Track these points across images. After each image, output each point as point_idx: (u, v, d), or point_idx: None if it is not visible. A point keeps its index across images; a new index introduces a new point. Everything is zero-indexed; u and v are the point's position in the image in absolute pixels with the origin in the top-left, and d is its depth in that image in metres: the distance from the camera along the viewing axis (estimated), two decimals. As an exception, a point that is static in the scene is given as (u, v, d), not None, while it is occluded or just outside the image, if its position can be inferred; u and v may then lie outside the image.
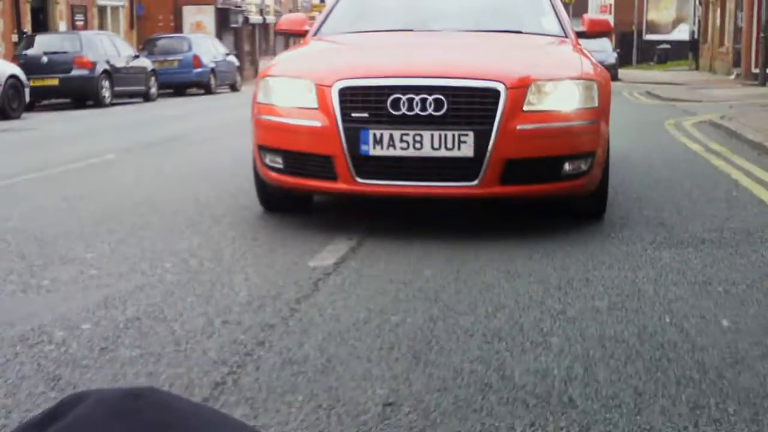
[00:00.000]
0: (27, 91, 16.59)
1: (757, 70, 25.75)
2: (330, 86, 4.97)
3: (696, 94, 21.72)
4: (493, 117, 4.84)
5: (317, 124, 4.99)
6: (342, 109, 4.93)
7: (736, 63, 31.31)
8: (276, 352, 3.15)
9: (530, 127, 4.91)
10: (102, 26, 29.82)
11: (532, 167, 4.98)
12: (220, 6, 39.66)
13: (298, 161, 5.17)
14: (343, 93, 4.95)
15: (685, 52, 45.37)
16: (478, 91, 4.89)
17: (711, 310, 3.66)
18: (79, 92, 20.00)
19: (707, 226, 5.40)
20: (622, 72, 36.10)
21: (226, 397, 2.75)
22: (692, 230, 5.27)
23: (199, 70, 26.23)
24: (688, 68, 42.14)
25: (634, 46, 50.00)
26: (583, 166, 5.12)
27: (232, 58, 29.50)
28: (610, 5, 51.86)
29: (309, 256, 4.57)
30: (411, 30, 6.25)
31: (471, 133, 4.82)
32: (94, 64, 19.93)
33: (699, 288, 4.01)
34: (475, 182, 4.90)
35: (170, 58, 25.94)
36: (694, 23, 44.91)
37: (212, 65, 26.84)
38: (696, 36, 42.96)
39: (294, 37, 7.34)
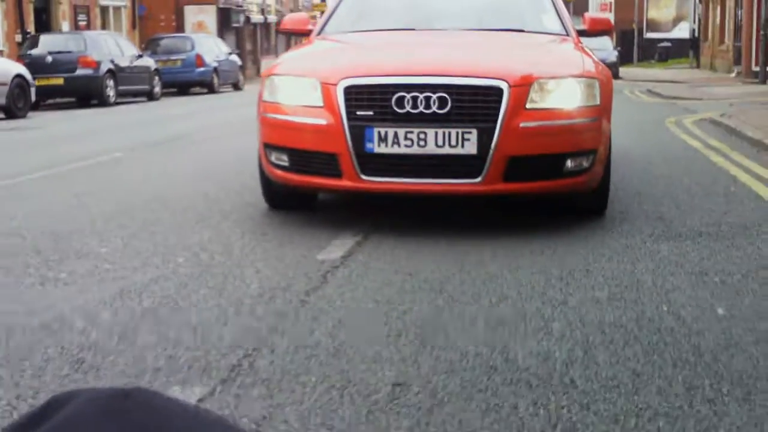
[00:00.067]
0: (33, 90, 16.78)
1: (757, 68, 25.86)
2: (335, 85, 5.05)
3: (696, 92, 21.84)
4: (497, 115, 4.92)
5: (322, 122, 5.08)
6: (347, 107, 5.01)
7: (737, 61, 31.40)
8: (289, 338, 3.28)
9: (533, 125, 5.00)
10: (104, 26, 29.97)
11: (534, 164, 5.06)
12: (221, 6, 39.78)
13: (303, 159, 5.25)
14: (348, 91, 5.03)
15: (686, 50, 45.47)
16: (481, 89, 4.98)
17: (707, 299, 3.80)
18: (83, 91, 20.20)
19: (705, 219, 5.53)
20: (623, 70, 36.20)
21: (243, 378, 2.88)
22: (690, 224, 5.40)
23: (202, 69, 26.41)
24: (688, 66, 42.23)
25: (635, 45, 50.08)
26: (585, 163, 5.20)
27: (235, 58, 29.65)
28: (611, 3, 51.94)
29: (317, 250, 4.70)
30: (414, 29, 6.34)
31: (474, 131, 4.91)
32: (98, 64, 20.12)
33: (696, 278, 4.14)
34: (479, 179, 4.98)
35: (173, 57, 26.13)
36: (694, 21, 45.00)
37: (215, 64, 27.01)
38: (696, 34, 43.05)
39: (296, 36, 7.44)
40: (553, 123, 5.08)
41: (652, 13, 52.42)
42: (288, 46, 44.20)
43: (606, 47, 31.17)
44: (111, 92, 20.49)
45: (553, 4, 6.58)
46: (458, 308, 3.66)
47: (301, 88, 5.25)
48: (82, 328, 3.43)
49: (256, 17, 45.00)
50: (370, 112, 5.01)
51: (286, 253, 4.68)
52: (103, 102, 20.19)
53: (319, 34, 6.43)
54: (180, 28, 36.68)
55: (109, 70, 20.47)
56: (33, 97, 16.85)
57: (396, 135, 4.94)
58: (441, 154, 4.94)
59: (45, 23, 26.26)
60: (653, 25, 52.31)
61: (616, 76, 27.83)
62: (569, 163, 5.15)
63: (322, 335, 3.31)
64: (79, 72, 19.84)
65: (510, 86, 4.96)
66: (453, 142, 4.91)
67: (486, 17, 6.58)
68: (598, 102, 5.25)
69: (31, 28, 24.67)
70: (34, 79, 16.99)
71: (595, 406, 2.67)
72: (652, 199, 6.30)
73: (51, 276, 4.26)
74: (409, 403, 2.68)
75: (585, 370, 2.95)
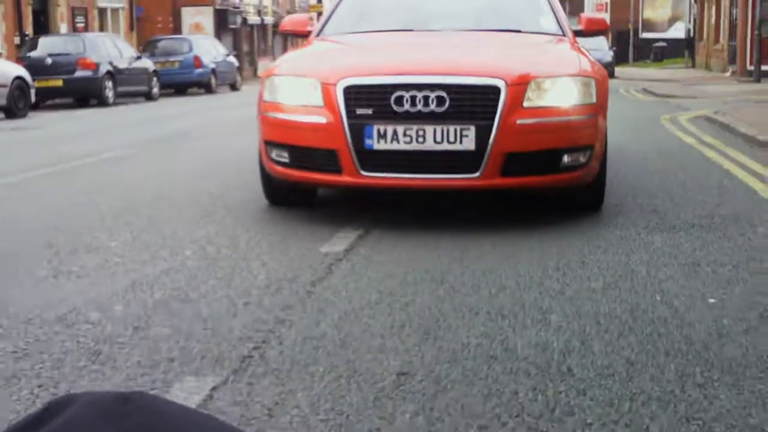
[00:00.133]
0: (32, 91, 16.95)
1: (752, 67, 26.00)
2: (335, 84, 5.14)
3: (691, 90, 21.97)
4: (494, 112, 5.02)
5: (322, 120, 5.17)
6: (347, 106, 5.10)
7: (732, 60, 31.54)
8: (296, 329, 3.41)
9: (530, 122, 5.10)
10: (102, 28, 30.03)
11: (531, 160, 5.16)
12: (218, 7, 39.88)
13: (303, 155, 5.35)
14: (348, 91, 5.12)
15: (682, 50, 45.62)
16: (479, 88, 5.09)
17: (699, 289, 3.93)
18: (83, 92, 20.40)
19: (698, 212, 5.67)
20: (618, 70, 36.29)
21: (254, 368, 3.00)
22: (684, 216, 5.54)
23: (200, 70, 26.57)
24: (684, 66, 42.38)
25: (630, 45, 50.24)
26: (582, 159, 5.30)
27: (232, 59, 29.82)
28: (606, 4, 52.02)
29: (320, 243, 4.83)
30: (412, 30, 6.44)
31: (472, 128, 5.01)
32: (97, 66, 20.29)
33: (688, 269, 4.27)
34: (477, 174, 5.08)
35: (171, 58, 26.29)
36: (689, 21, 45.15)
37: (213, 66, 27.19)
38: (692, 34, 43.19)
39: (293, 37, 7.54)
40: (550, 120, 5.18)
41: (648, 13, 52.61)
42: (285, 47, 44.31)
43: (602, 47, 31.26)
44: (110, 93, 20.64)
45: (550, 5, 6.68)
46: (459, 299, 3.79)
47: (301, 88, 5.33)
48: (97, 320, 3.55)
49: (253, 19, 45.10)
50: (370, 111, 5.10)
51: (290, 246, 4.80)
52: (102, 103, 20.35)
53: (318, 35, 6.51)
54: (177, 29, 36.78)
55: (108, 72, 20.63)
56: (33, 98, 17.00)
57: (395, 132, 5.03)
58: (439, 150, 5.04)
59: (43, 25, 26.35)
60: (649, 25, 52.50)
61: (611, 75, 27.89)
62: (566, 158, 5.25)
63: (327, 326, 3.43)
64: (79, 74, 20.02)
65: (507, 85, 5.06)
66: (451, 139, 5.01)
67: (484, 18, 6.68)
68: (594, 100, 5.35)
69: (29, 30, 24.77)
70: (33, 80, 17.15)
71: (592, 392, 2.79)
72: (647, 192, 6.43)
73: (63, 269, 4.39)
74: (414, 390, 2.80)
75: (582, 358, 3.07)
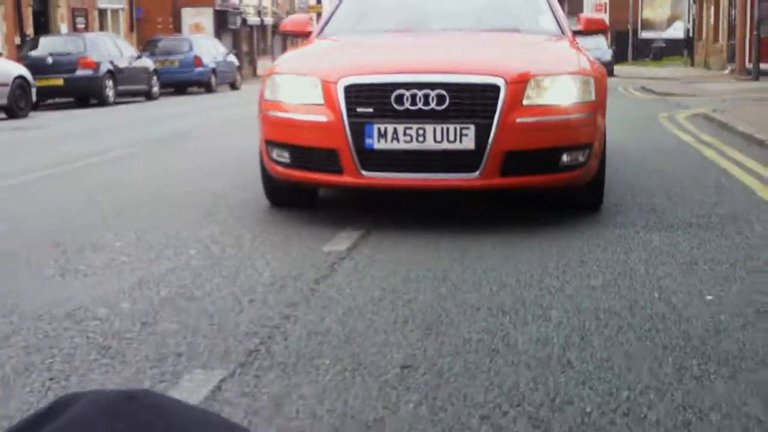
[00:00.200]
0: (33, 90, 16.99)
1: (750, 66, 26.09)
2: (335, 83, 5.18)
3: (690, 88, 22.04)
4: (494, 111, 5.06)
5: (323, 119, 5.20)
6: (347, 105, 5.13)
7: (731, 59, 31.65)
8: (301, 325, 3.47)
9: (529, 120, 5.13)
10: (102, 29, 30.10)
11: (531, 159, 5.19)
12: (218, 8, 39.96)
13: (304, 155, 5.38)
14: (349, 89, 5.16)
15: (681, 49, 45.72)
16: (478, 87, 5.12)
17: (696, 286, 3.99)
18: (83, 92, 20.49)
19: (696, 211, 5.73)
20: (617, 68, 36.37)
21: (260, 362, 3.07)
22: (682, 215, 5.60)
23: (200, 69, 26.66)
24: (683, 64, 42.45)
25: (630, 44, 50.33)
26: (581, 158, 5.33)
27: (232, 58, 29.89)
28: (605, 4, 52.12)
29: (323, 243, 4.89)
30: (412, 29, 6.50)
31: (472, 127, 5.05)
32: (97, 65, 20.38)
33: (686, 267, 4.34)
34: (477, 174, 5.12)
35: (171, 58, 26.35)
36: (688, 21, 45.24)
37: (213, 65, 27.25)
38: (691, 33, 43.28)
39: (293, 37, 7.58)
40: (549, 118, 5.21)
41: (647, 13, 52.71)
42: (284, 48, 44.36)
43: (601, 46, 31.37)
44: (110, 92, 20.74)
45: (549, 4, 6.72)
46: (460, 296, 3.85)
47: (302, 86, 5.36)
48: (105, 316, 3.62)
49: (253, 19, 45.18)
50: (370, 110, 5.13)
51: (293, 246, 4.86)
52: (103, 102, 20.44)
53: (319, 35, 6.55)
54: (177, 30, 36.88)
55: (109, 71, 20.72)
56: (34, 98, 17.05)
57: (395, 131, 5.07)
58: (439, 150, 5.07)
59: (43, 26, 26.42)
60: (648, 25, 52.60)
61: (610, 74, 28.00)
62: (565, 158, 5.28)
63: (332, 322, 3.50)
64: (79, 73, 20.12)
65: (507, 83, 5.09)
66: (451, 138, 5.05)
67: (483, 18, 6.73)
68: (593, 98, 5.38)
69: (30, 30, 24.84)
70: (34, 79, 17.18)
71: (591, 383, 2.86)
72: (646, 191, 6.49)
73: (70, 268, 4.45)
74: (417, 382, 2.87)
75: (581, 352, 3.14)
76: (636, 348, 3.18)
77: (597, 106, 5.45)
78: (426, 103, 5.05)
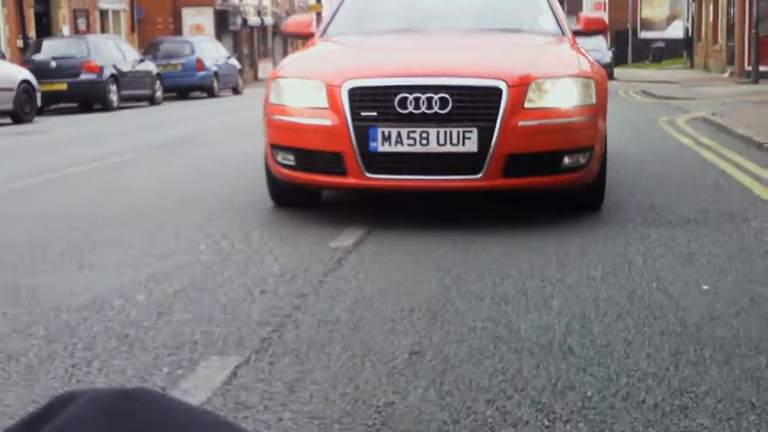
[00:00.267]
0: (38, 95, 17.01)
1: (750, 68, 26.20)
2: (339, 86, 5.25)
3: (689, 92, 22.16)
4: (496, 114, 5.13)
5: (328, 122, 5.28)
6: (351, 108, 5.21)
7: (730, 61, 31.71)
8: (311, 314, 3.61)
9: (531, 123, 5.21)
10: (103, 30, 30.21)
11: (533, 161, 5.26)
12: (218, 8, 40.05)
13: (309, 158, 5.46)
14: (353, 93, 5.24)
15: (680, 50, 45.80)
16: (481, 90, 5.20)
17: (693, 277, 4.13)
18: (87, 96, 20.45)
19: (693, 208, 5.86)
20: (617, 71, 36.42)
21: (274, 349, 3.20)
22: (680, 212, 5.73)
23: (202, 73, 26.50)
24: (682, 66, 42.57)
25: (629, 45, 50.46)
26: (582, 160, 5.41)
27: (234, 61, 29.75)
28: (605, 3, 52.23)
29: (329, 239, 5.02)
30: (414, 30, 6.57)
31: (475, 130, 5.12)
32: (101, 69, 20.38)
33: (684, 259, 4.47)
34: (479, 176, 5.19)
35: (174, 61, 26.27)
36: (687, 20, 45.36)
37: (215, 68, 27.11)
38: (690, 33, 43.38)
39: (294, 39, 7.65)
40: (551, 121, 5.29)
41: (646, 12, 52.84)
42: (285, 49, 44.54)
43: (600, 48, 31.38)
44: (114, 97, 20.73)
45: (549, 4, 6.79)
46: (464, 287, 3.99)
47: (306, 90, 5.44)
48: (122, 306, 3.75)
49: (253, 19, 45.23)
50: (374, 113, 5.21)
51: (300, 242, 4.99)
52: (107, 107, 20.44)
53: (322, 36, 6.61)
54: (178, 30, 36.96)
55: (112, 75, 20.70)
56: (39, 102, 17.08)
57: (399, 134, 5.14)
58: (443, 153, 5.14)
59: (45, 27, 26.52)
60: (647, 24, 52.72)
61: (610, 76, 28.09)
62: (566, 160, 5.35)
63: (341, 311, 3.63)
64: (83, 77, 20.10)
65: (509, 86, 5.17)
66: (454, 141, 5.12)
67: (484, 18, 6.81)
68: (594, 101, 5.45)
69: (32, 32, 24.93)
70: (38, 84, 17.24)
71: (591, 369, 2.98)
72: (645, 191, 6.62)
73: (86, 262, 4.59)
74: (425, 368, 3.00)
75: (582, 339, 3.27)
76: (634, 335, 3.30)
77: (598, 109, 5.52)
78: (429, 106, 5.12)
